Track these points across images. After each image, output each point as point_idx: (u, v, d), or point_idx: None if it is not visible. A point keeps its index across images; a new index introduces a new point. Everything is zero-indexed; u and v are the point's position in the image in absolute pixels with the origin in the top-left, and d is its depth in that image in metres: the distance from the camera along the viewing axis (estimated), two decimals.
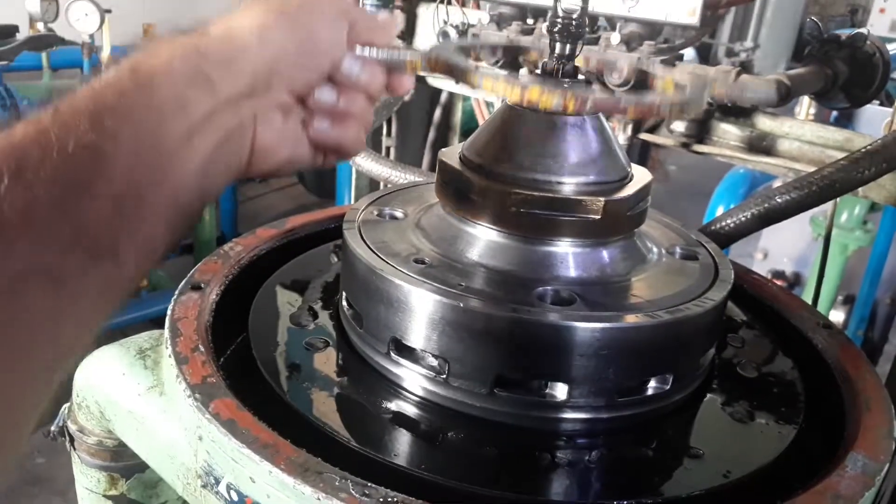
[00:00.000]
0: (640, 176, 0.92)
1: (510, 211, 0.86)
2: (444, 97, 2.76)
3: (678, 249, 0.98)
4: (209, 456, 0.76)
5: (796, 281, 4.25)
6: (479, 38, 0.96)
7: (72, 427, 1.04)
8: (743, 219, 1.35)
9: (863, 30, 1.75)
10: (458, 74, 0.77)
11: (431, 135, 2.80)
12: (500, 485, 0.76)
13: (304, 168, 0.74)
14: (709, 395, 0.92)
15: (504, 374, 0.81)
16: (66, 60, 4.14)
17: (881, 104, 2.52)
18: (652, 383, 0.85)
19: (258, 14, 0.66)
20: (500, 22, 1.92)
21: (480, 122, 2.54)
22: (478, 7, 2.24)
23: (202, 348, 0.84)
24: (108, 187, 0.50)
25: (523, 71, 2.01)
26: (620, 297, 0.86)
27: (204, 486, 0.78)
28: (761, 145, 1.69)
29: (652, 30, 1.75)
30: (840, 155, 1.47)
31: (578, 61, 0.90)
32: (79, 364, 0.97)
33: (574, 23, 0.87)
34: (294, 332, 0.98)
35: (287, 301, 1.05)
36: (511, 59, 1.93)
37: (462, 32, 1.97)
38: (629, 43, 1.69)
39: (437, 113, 2.80)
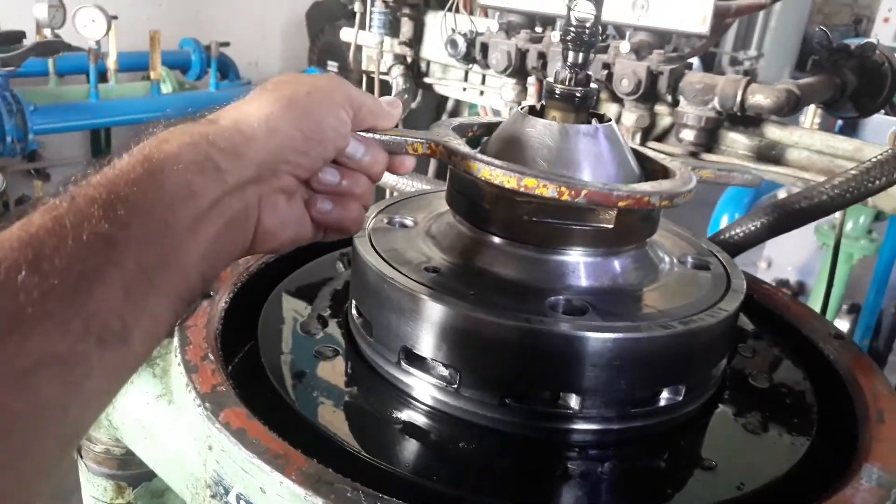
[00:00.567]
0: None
1: (522, 219, 0.85)
2: (450, 104, 2.77)
3: (690, 259, 0.97)
4: (219, 465, 0.75)
5: (800, 290, 4.24)
6: (475, 118, 0.97)
7: None
8: (752, 228, 1.34)
9: (872, 39, 1.75)
10: (458, 162, 0.80)
11: None
12: (512, 496, 0.75)
13: (305, 243, 0.78)
14: (721, 406, 0.92)
15: (516, 384, 0.80)
16: (72, 66, 4.17)
17: (887, 113, 2.52)
18: (665, 394, 0.84)
19: (266, 103, 0.68)
20: (508, 30, 1.92)
21: (484, 117, 2.54)
22: (486, 15, 2.24)
23: (212, 356, 0.84)
24: (119, 274, 0.52)
25: (531, 79, 2.02)
26: (633, 307, 0.85)
27: (213, 497, 0.77)
28: (770, 154, 1.68)
29: (661, 38, 1.75)
30: (849, 165, 1.47)
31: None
32: None
33: (587, 31, 0.87)
34: (303, 340, 0.97)
35: (296, 309, 1.05)
36: (519, 66, 1.94)
37: (470, 41, 1.97)
38: (638, 51, 1.69)
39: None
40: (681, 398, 0.84)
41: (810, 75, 1.75)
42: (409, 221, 1.01)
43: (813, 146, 1.63)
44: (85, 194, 0.54)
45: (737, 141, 1.73)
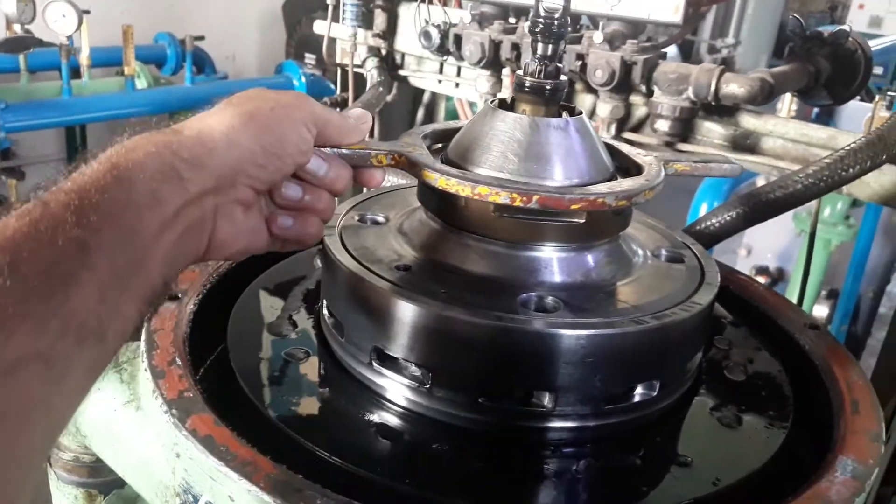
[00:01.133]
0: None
1: (492, 215, 0.84)
2: (426, 97, 2.75)
3: (664, 252, 0.97)
4: (187, 473, 0.74)
5: (780, 276, 4.27)
6: (457, 122, 0.96)
7: None
8: (728, 218, 1.34)
9: (845, 27, 1.75)
10: (418, 172, 0.82)
11: None
12: (487, 498, 0.74)
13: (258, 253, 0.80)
14: (696, 400, 0.91)
15: (488, 383, 0.79)
16: (44, 62, 4.09)
17: (862, 100, 2.53)
18: (639, 390, 0.83)
19: (229, 116, 0.70)
20: (481, 21, 1.91)
21: (464, 120, 2.53)
22: (459, 6, 2.22)
23: (179, 361, 0.82)
24: (93, 277, 0.55)
25: (506, 70, 2.00)
26: (606, 303, 0.85)
27: None
28: (745, 143, 1.68)
29: (635, 28, 1.74)
30: (823, 153, 1.47)
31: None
32: None
33: (556, 23, 0.86)
34: (274, 342, 0.96)
35: (267, 309, 1.03)
36: (493, 57, 1.92)
37: (444, 33, 1.95)
38: (612, 41, 1.68)
39: (420, 113, 2.78)
40: (655, 393, 0.83)
41: (787, 62, 1.75)
42: (381, 218, 0.99)
43: (787, 135, 1.63)
44: (57, 200, 0.56)
45: (712, 130, 1.72)
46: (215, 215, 0.69)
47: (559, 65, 0.89)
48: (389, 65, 2.38)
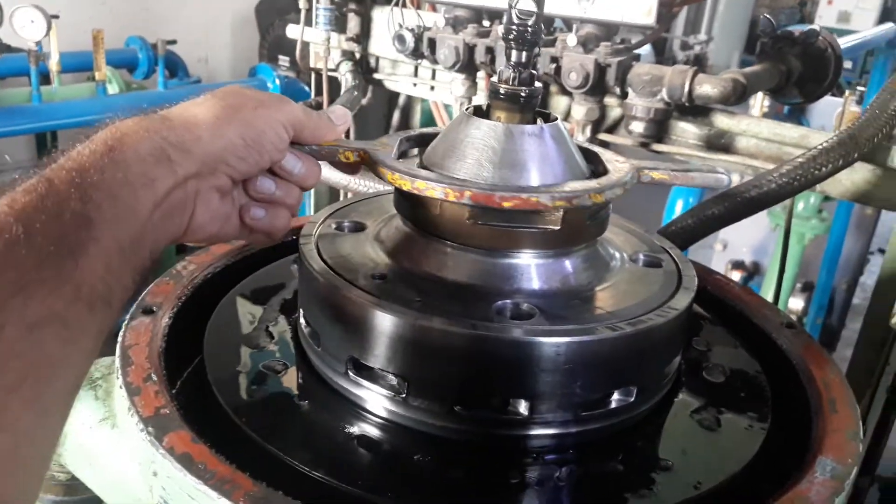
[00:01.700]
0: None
1: (468, 223, 0.84)
2: (402, 100, 2.73)
3: (641, 256, 0.97)
4: (165, 492, 0.73)
5: (755, 270, 4.32)
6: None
7: None
8: (703, 218, 1.35)
9: (814, 26, 1.76)
10: (376, 169, 0.85)
11: None
12: None
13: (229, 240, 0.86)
14: (676, 403, 0.91)
15: (464, 391, 0.79)
16: (11, 68, 4.04)
17: (832, 95, 2.56)
18: (616, 396, 0.83)
19: (214, 108, 0.76)
20: (455, 25, 1.90)
21: (439, 124, 2.52)
22: (433, 10, 2.21)
23: (155, 377, 0.81)
24: (99, 247, 0.61)
25: (480, 74, 2.00)
26: (582, 310, 0.84)
27: None
28: (719, 143, 1.69)
29: (608, 30, 1.75)
30: (796, 151, 1.48)
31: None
32: None
33: (530, 30, 0.85)
34: (251, 355, 0.95)
35: (244, 320, 1.02)
36: (468, 61, 1.92)
37: (418, 36, 1.94)
38: (586, 44, 1.68)
39: (396, 116, 2.77)
40: (632, 399, 0.83)
41: (758, 61, 1.77)
42: (358, 226, 0.99)
43: (760, 134, 1.64)
44: (60, 178, 0.62)
45: (686, 131, 1.73)
46: (195, 199, 0.74)
47: (534, 71, 0.89)
48: (364, 68, 2.36)
